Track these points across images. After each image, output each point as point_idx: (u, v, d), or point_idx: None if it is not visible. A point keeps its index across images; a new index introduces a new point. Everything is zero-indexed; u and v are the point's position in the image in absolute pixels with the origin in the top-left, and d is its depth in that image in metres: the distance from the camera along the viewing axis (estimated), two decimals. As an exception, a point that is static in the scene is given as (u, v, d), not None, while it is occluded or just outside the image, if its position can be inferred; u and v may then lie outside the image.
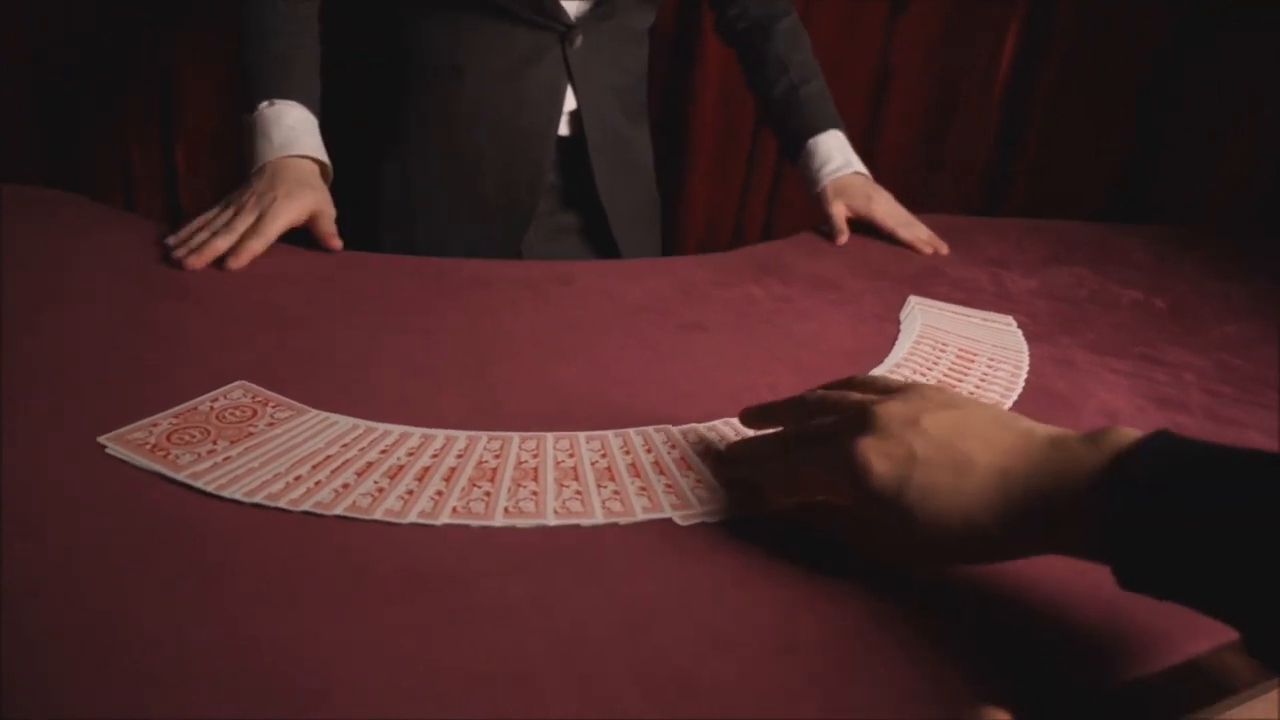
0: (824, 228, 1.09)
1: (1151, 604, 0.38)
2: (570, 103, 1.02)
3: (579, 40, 1.00)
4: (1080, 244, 1.14)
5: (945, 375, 0.71)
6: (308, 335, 0.67)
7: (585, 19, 1.00)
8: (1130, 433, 0.39)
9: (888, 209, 1.08)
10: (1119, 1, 1.59)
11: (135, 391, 0.56)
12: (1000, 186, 1.72)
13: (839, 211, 1.07)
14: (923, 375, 0.71)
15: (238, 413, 0.54)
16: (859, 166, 1.11)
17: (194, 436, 0.51)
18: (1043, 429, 0.43)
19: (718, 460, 0.53)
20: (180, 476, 0.47)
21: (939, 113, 1.64)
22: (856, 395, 0.48)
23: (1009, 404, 0.68)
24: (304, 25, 0.93)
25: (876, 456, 0.42)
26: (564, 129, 1.03)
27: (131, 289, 0.71)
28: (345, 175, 0.95)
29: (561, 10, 0.98)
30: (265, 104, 0.87)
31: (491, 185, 1.03)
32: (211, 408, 0.54)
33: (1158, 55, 1.63)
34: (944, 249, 1.06)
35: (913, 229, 1.07)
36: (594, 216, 1.08)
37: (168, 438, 0.51)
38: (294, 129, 0.87)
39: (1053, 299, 0.94)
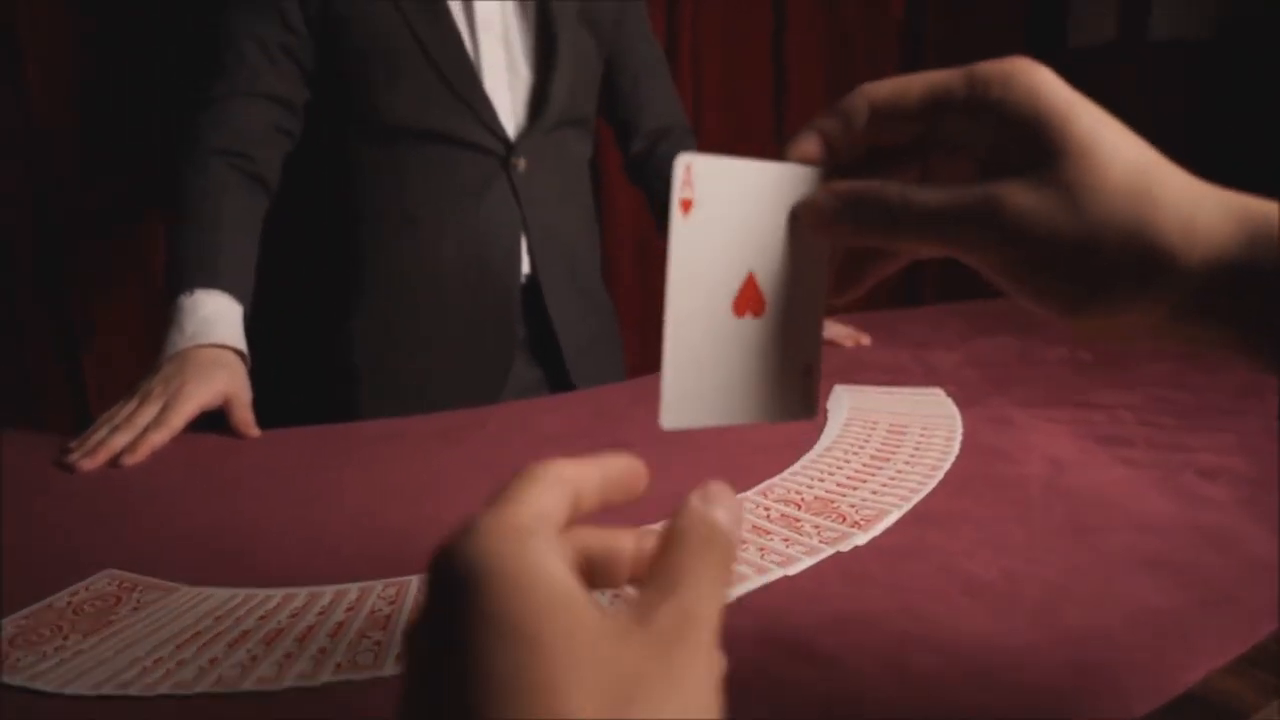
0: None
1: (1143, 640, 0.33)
2: (524, 239, 1.02)
3: (523, 165, 1.00)
4: (1000, 315, 1.15)
5: (877, 452, 0.68)
6: (189, 516, 0.62)
7: (527, 139, 1.00)
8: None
9: None
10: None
11: (-15, 601, 0.50)
12: (916, 276, 1.76)
13: None
14: (855, 454, 0.68)
15: (98, 603, 0.48)
16: None
17: (43, 635, 0.45)
18: None
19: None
20: (17, 681, 0.41)
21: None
22: None
23: (946, 467, 0.64)
24: (248, 218, 0.92)
25: None
26: (525, 267, 1.03)
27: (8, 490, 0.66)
28: (314, 341, 0.92)
29: (498, 124, 0.98)
30: (184, 295, 0.84)
31: (464, 344, 1.01)
32: (69, 602, 0.49)
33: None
34: (866, 340, 1.05)
35: (832, 328, 1.06)
36: (559, 368, 1.06)
37: (10, 641, 0.44)
38: (208, 319, 0.84)
39: (980, 366, 0.93)
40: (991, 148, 0.31)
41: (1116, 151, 0.30)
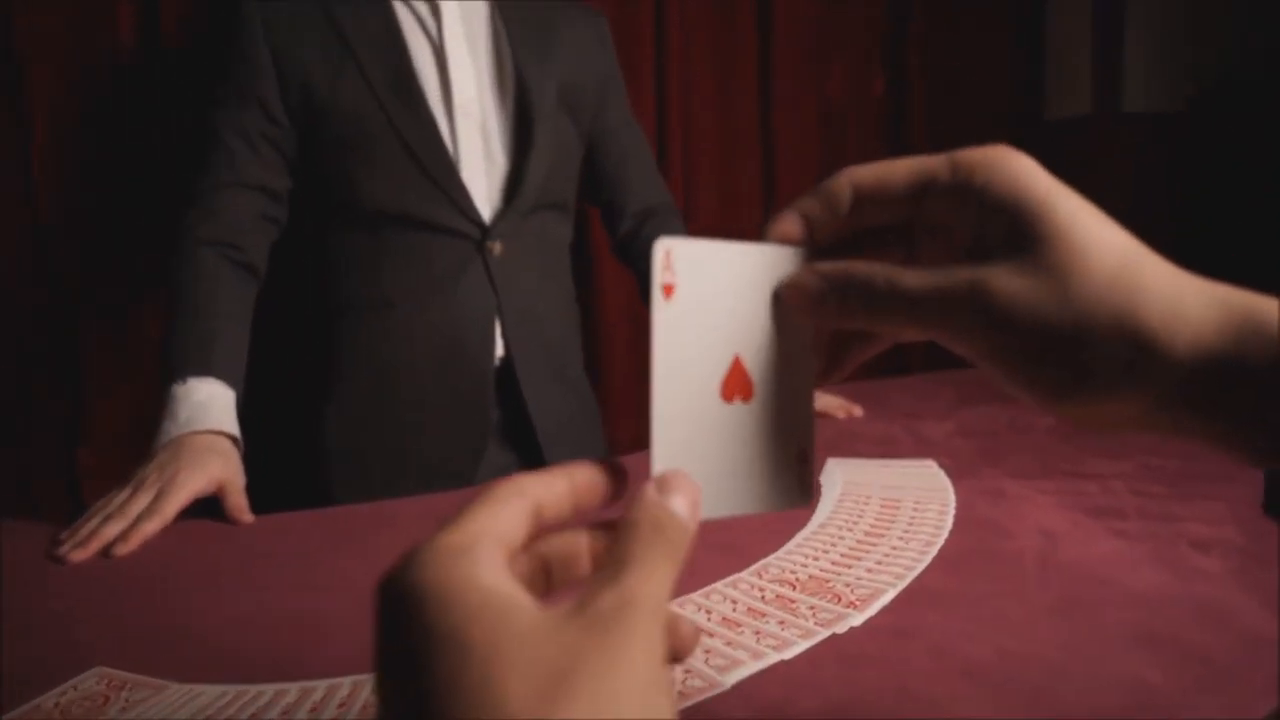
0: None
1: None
2: (499, 321, 1.02)
3: (498, 250, 1.01)
4: (985, 383, 1.15)
5: (871, 527, 0.68)
6: (181, 609, 0.62)
7: (502, 223, 1.01)
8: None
9: None
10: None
11: (-28, 703, 0.49)
12: (902, 356, 1.78)
13: None
14: (849, 530, 0.68)
15: (87, 703, 0.48)
16: None
17: (29, 740, 0.44)
18: None
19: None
20: (3, 789, 0.40)
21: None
22: None
23: (940, 543, 0.64)
24: (238, 306, 0.94)
25: None
26: (499, 350, 1.03)
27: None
28: (289, 426, 0.92)
29: (473, 209, 1.00)
30: (177, 384, 0.85)
31: (438, 427, 1.01)
32: (58, 703, 0.48)
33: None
34: (858, 411, 1.06)
35: (823, 399, 1.07)
36: (534, 452, 1.06)
37: (-3, 747, 0.44)
38: (202, 404, 0.84)
39: (971, 436, 0.93)
40: (975, 233, 0.32)
41: (1099, 239, 0.30)
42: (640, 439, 1.62)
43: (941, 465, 0.83)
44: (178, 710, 0.46)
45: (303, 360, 1.03)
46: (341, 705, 0.46)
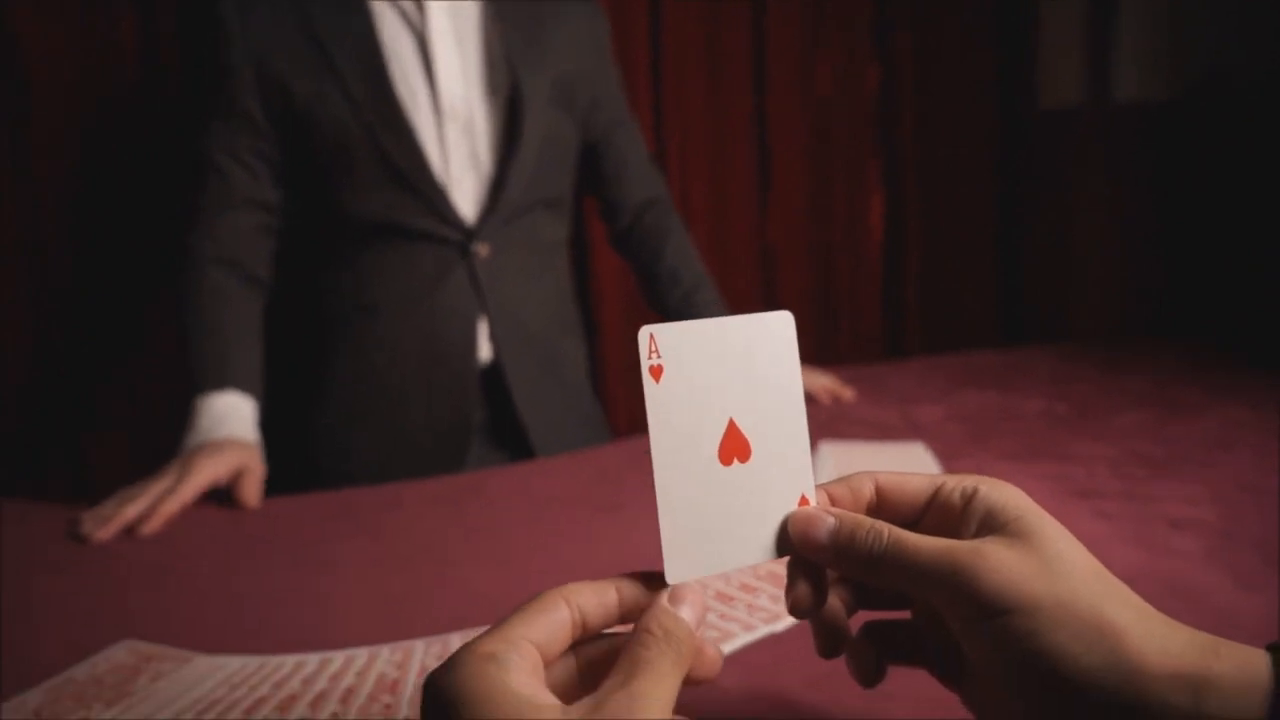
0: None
1: None
2: (485, 325, 1.03)
3: (485, 253, 1.02)
4: (980, 369, 1.18)
5: (863, 507, 0.71)
6: (203, 585, 0.65)
7: (488, 225, 1.02)
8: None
9: None
10: (961, 155, 1.75)
11: (11, 667, 0.52)
12: (899, 326, 1.81)
13: None
14: (840, 511, 0.70)
15: (119, 674, 0.50)
16: None
17: (67, 706, 0.47)
18: None
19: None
20: (45, 751, 0.43)
21: (824, 285, 1.75)
22: None
23: (928, 521, 0.67)
24: (248, 321, 0.98)
25: None
26: (486, 354, 1.04)
27: (14, 565, 0.68)
28: (277, 433, 0.95)
29: (454, 213, 1.00)
30: (198, 398, 0.89)
31: (420, 428, 1.03)
32: (91, 674, 0.51)
33: (1010, 193, 1.78)
34: (848, 394, 1.08)
35: (810, 380, 1.07)
36: (526, 453, 1.06)
37: (36, 713, 0.47)
38: (222, 415, 0.88)
39: (963, 421, 0.96)
40: (975, 530, 0.35)
41: (1081, 553, 0.34)
42: (637, 425, 1.65)
43: (932, 448, 0.85)
44: (204, 679, 0.49)
45: (291, 365, 1.05)
46: (359, 674, 0.49)
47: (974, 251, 1.81)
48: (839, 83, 1.72)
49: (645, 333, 0.33)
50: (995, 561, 0.32)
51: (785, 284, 1.72)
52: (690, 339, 0.34)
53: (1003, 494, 0.35)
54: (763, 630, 0.51)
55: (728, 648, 0.50)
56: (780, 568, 0.60)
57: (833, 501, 0.37)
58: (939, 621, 0.35)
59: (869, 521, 0.35)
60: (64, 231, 1.26)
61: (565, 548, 0.68)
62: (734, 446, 0.34)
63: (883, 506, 0.37)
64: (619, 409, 1.60)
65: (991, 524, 0.34)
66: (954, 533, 0.35)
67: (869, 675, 0.39)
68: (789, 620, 0.52)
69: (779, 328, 0.36)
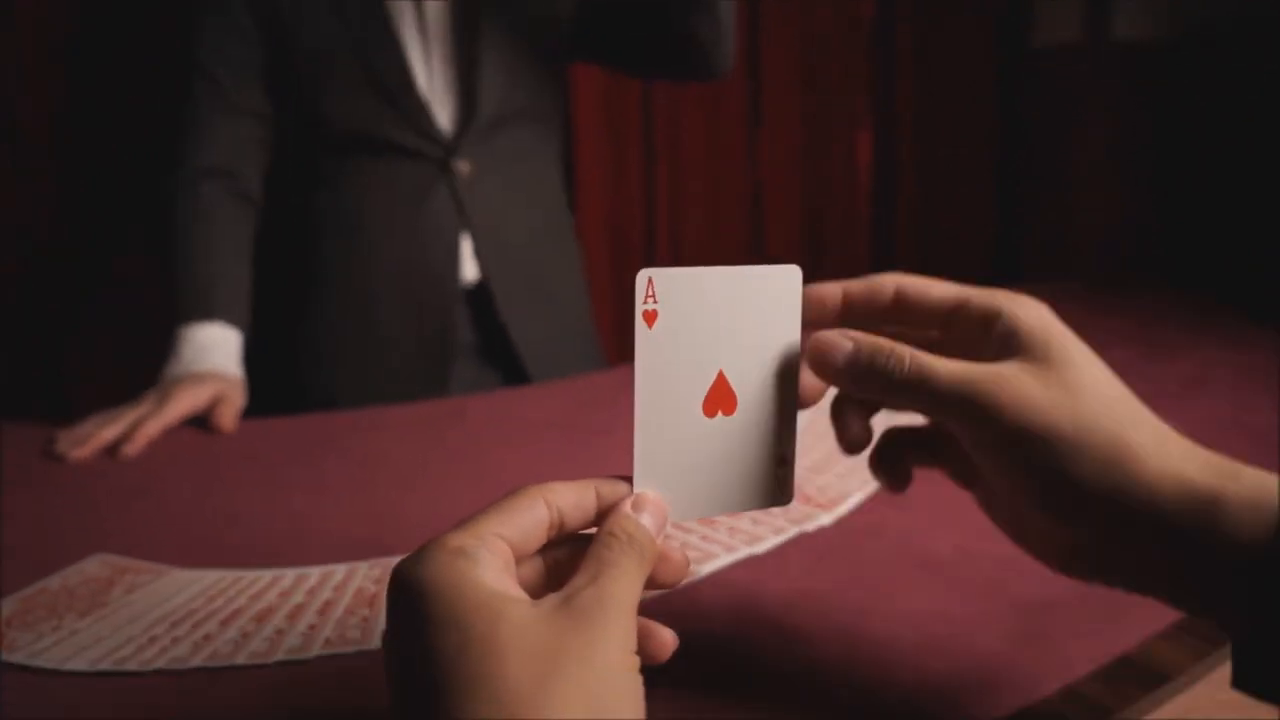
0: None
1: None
2: (469, 244, 1.01)
3: (466, 170, 1.00)
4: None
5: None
6: (179, 504, 0.64)
7: (466, 140, 0.99)
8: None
9: None
10: (956, 93, 1.73)
11: (-20, 585, 0.51)
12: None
13: None
14: (822, 440, 0.70)
15: (92, 585, 0.50)
16: None
17: (39, 616, 0.47)
18: None
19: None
20: (16, 659, 0.43)
21: (813, 220, 1.74)
22: None
23: (909, 451, 0.67)
24: (239, 244, 0.95)
25: None
26: (472, 274, 1.02)
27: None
28: (261, 353, 0.94)
29: (434, 128, 0.98)
30: (181, 327, 0.87)
31: (402, 347, 1.02)
32: (62, 585, 0.50)
33: (1005, 132, 1.76)
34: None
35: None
36: (518, 372, 1.05)
37: (8, 622, 0.46)
38: (205, 348, 0.86)
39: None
40: (997, 350, 0.34)
41: (1105, 377, 0.33)
42: (624, 353, 1.65)
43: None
44: (180, 591, 0.49)
45: (274, 284, 1.03)
46: (336, 588, 0.49)
47: (968, 188, 1.80)
48: (835, 13, 1.68)
49: (643, 276, 0.31)
50: (1017, 388, 0.32)
51: (774, 220, 1.70)
52: (689, 285, 0.32)
53: (1028, 314, 0.34)
54: (743, 551, 0.51)
55: (710, 567, 0.50)
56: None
57: (847, 297, 0.36)
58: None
59: (889, 345, 0.33)
60: (47, 148, 1.21)
61: (550, 470, 0.67)
62: (719, 399, 0.33)
63: (901, 312, 0.36)
64: (605, 335, 1.59)
65: (1015, 346, 0.33)
66: (976, 352, 0.34)
67: (895, 480, 0.39)
68: (769, 542, 0.52)
69: (785, 281, 0.34)
